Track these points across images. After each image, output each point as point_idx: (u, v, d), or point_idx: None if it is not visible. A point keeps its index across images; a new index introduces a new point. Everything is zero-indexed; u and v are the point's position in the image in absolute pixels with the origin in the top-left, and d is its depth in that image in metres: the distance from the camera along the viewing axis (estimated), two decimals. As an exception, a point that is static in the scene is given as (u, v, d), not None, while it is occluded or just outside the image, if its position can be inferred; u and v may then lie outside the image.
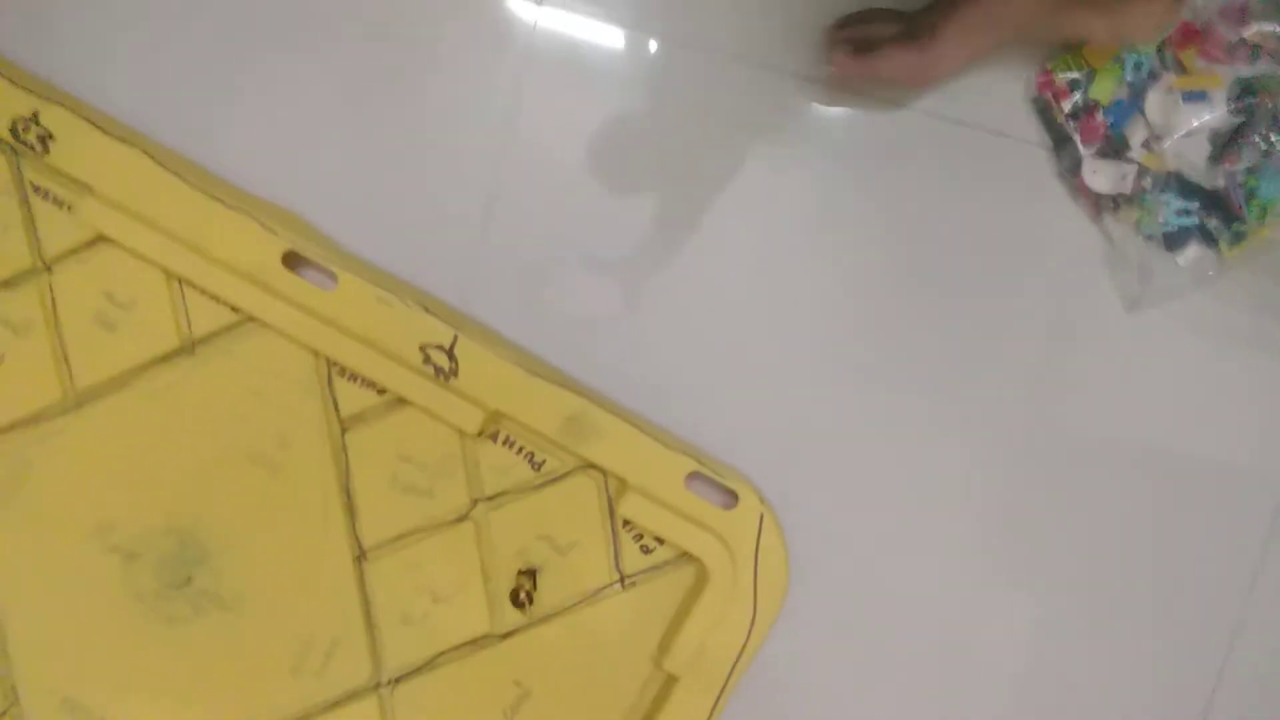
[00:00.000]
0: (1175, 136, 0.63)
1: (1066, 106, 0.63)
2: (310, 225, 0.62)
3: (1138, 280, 0.64)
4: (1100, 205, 0.64)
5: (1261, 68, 0.62)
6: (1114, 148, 0.64)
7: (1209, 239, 0.64)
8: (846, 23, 0.61)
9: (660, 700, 0.63)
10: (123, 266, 0.62)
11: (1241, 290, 0.66)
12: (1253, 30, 0.62)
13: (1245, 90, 0.62)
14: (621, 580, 0.64)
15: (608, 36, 0.63)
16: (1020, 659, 0.67)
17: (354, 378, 0.62)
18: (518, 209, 0.63)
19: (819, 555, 0.65)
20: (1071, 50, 0.63)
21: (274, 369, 0.62)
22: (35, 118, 0.61)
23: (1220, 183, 0.63)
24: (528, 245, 0.64)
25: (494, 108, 0.63)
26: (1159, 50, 0.63)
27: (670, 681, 0.63)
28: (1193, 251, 0.64)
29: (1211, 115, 0.63)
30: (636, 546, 0.64)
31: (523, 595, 0.60)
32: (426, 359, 0.61)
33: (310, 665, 0.64)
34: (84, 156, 0.61)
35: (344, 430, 0.63)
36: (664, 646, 0.63)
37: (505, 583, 0.63)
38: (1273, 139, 0.62)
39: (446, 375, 0.61)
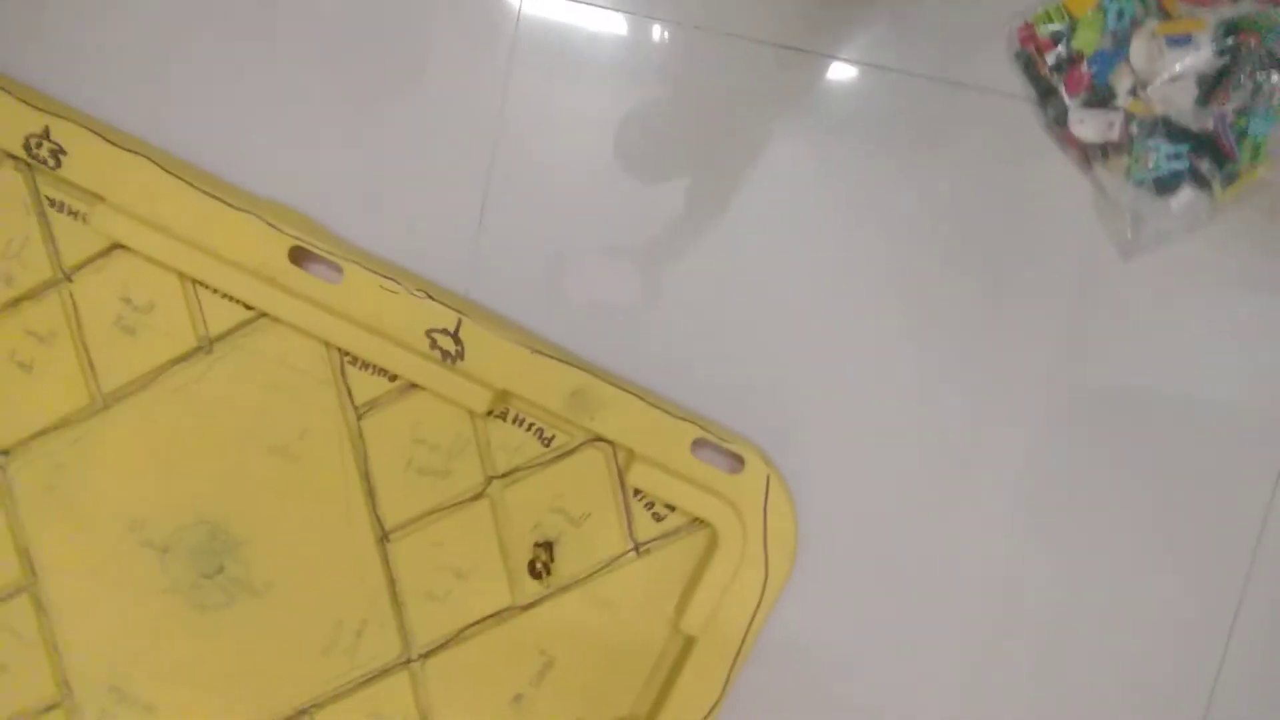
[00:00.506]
0: (1161, 81, 0.63)
1: (1050, 59, 0.64)
2: (314, 222, 0.64)
3: (1131, 228, 0.65)
4: (1089, 155, 0.65)
5: (1244, 8, 0.62)
6: (1100, 97, 0.64)
7: (1201, 182, 0.64)
8: None
9: (679, 662, 0.65)
10: (138, 272, 0.64)
11: (1237, 231, 0.66)
12: (1234, -29, 0.62)
13: (1229, 31, 0.62)
14: (636, 548, 0.66)
15: (606, 22, 0.64)
16: (1037, 616, 0.68)
17: (365, 366, 0.64)
18: (515, 197, 0.65)
19: (832, 519, 0.67)
20: (1052, 2, 0.63)
21: (288, 362, 0.64)
22: (46, 134, 0.63)
23: (1209, 125, 0.63)
24: (526, 234, 0.65)
25: (487, 98, 0.64)
26: (1140, -4, 0.63)
27: (689, 643, 0.65)
28: (1185, 195, 0.65)
29: (1196, 58, 0.63)
30: (649, 514, 0.66)
31: (539, 566, 0.63)
32: (433, 344, 0.63)
33: (342, 644, 0.67)
34: (94, 167, 0.63)
35: (359, 417, 0.65)
36: (680, 609, 0.65)
37: (524, 556, 0.65)
38: (1259, 78, 0.62)
39: (453, 358, 0.63)
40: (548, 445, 0.65)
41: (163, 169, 0.63)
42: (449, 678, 0.67)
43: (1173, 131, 0.64)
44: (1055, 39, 0.63)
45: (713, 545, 0.64)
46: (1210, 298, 0.67)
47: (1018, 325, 0.66)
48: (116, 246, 0.64)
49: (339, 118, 0.65)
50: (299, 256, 0.63)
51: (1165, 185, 0.64)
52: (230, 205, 0.62)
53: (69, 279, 0.65)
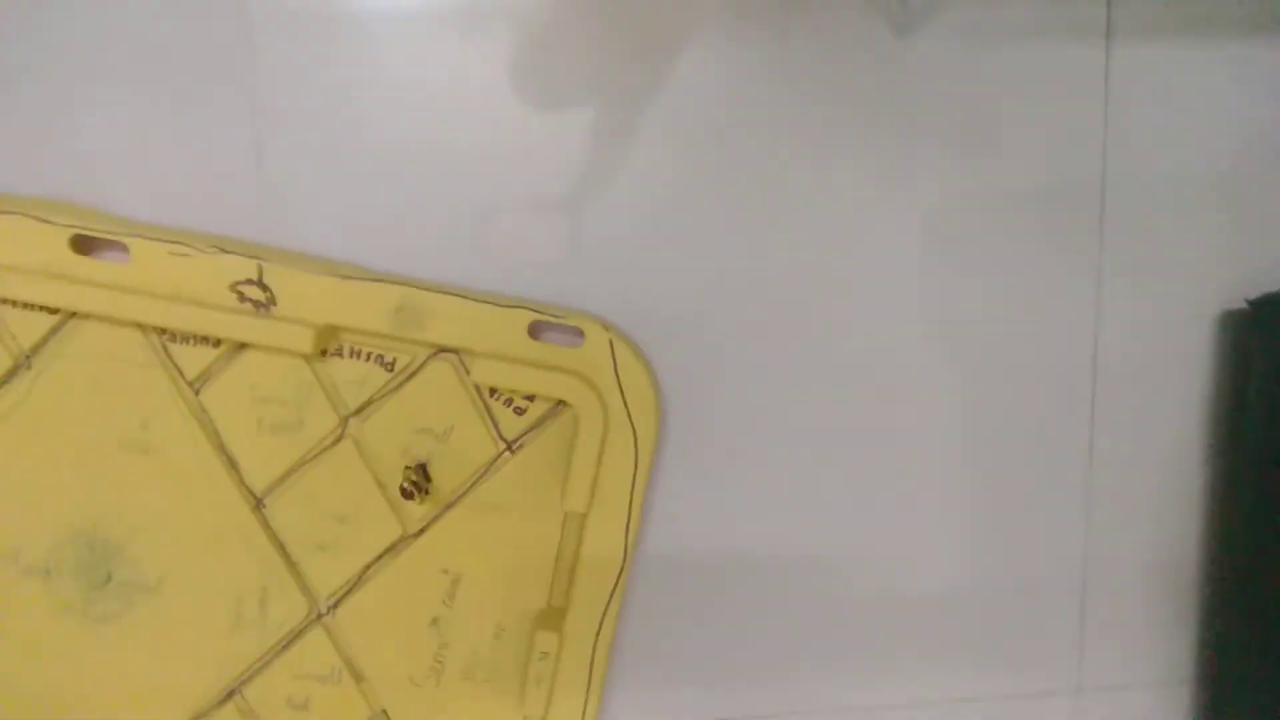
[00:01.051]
0: None
1: None
2: (86, 207, 0.62)
3: (897, 1, 0.64)
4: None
5: None
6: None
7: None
8: None
9: (578, 543, 0.66)
10: (-73, 305, 0.62)
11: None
12: None
13: None
14: (509, 446, 0.66)
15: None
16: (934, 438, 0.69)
17: (186, 339, 0.63)
18: (289, 129, 0.63)
19: (700, 384, 0.67)
20: None
21: (110, 355, 0.63)
22: None
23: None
24: (310, 164, 0.64)
25: (231, 28, 0.62)
26: None
27: (582, 521, 0.66)
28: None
29: None
30: (510, 411, 0.66)
31: (408, 486, 0.62)
32: (242, 297, 0.61)
33: (248, 618, 0.66)
34: None
35: (197, 392, 0.64)
36: (564, 493, 0.65)
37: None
38: None
39: (266, 306, 0.62)
40: (391, 370, 0.65)
41: (-80, 195, 0.61)
42: (362, 620, 0.67)
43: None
44: None
45: (577, 421, 0.64)
46: (1003, 55, 0.67)
47: (800, 130, 0.66)
48: (-100, 286, 0.62)
49: (79, 96, 0.62)
50: (82, 245, 0.61)
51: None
52: (-4, 213, 0.60)
53: None
